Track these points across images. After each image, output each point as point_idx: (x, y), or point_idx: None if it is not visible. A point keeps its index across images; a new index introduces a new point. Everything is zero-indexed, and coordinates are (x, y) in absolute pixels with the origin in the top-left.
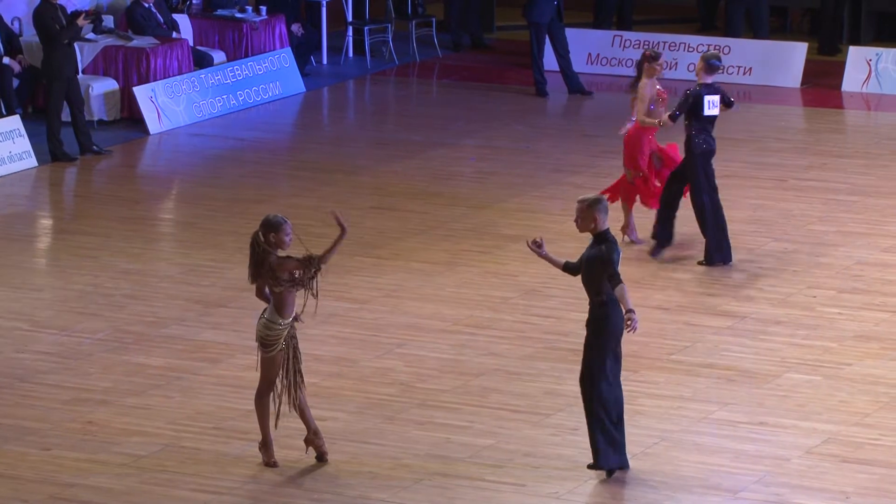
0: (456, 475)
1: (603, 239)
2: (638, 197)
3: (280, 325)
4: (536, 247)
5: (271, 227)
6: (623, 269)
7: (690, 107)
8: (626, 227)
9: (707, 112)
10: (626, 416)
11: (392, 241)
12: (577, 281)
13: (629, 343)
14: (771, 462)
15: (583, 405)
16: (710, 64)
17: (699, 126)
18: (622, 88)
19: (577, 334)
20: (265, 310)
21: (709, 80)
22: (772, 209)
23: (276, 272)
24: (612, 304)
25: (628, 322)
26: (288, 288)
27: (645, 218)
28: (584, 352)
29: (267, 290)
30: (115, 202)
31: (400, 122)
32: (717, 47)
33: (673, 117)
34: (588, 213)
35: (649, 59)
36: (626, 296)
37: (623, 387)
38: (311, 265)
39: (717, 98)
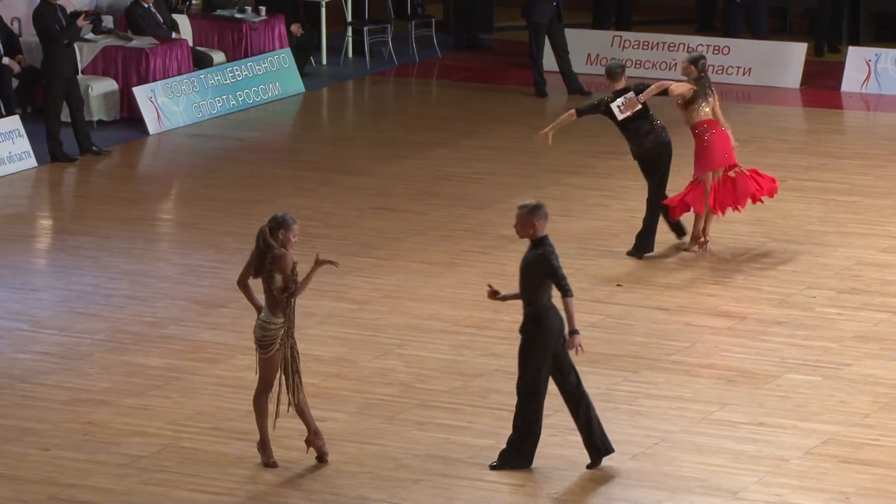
0: (456, 475)
1: (539, 244)
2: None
3: (275, 325)
4: (494, 295)
5: (282, 225)
6: (623, 270)
7: (609, 116)
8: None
9: (619, 118)
10: (625, 417)
11: (391, 241)
12: (578, 282)
13: (629, 344)
14: (771, 462)
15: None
16: (609, 72)
17: (623, 133)
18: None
19: None
20: (261, 311)
21: (619, 86)
22: (771, 209)
23: (275, 265)
24: (545, 313)
25: (570, 344)
26: (278, 291)
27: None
28: (520, 360)
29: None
30: (115, 203)
31: (399, 122)
32: (717, 48)
33: (577, 112)
34: (527, 220)
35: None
36: (572, 312)
37: (623, 387)
38: (290, 286)
39: (626, 97)
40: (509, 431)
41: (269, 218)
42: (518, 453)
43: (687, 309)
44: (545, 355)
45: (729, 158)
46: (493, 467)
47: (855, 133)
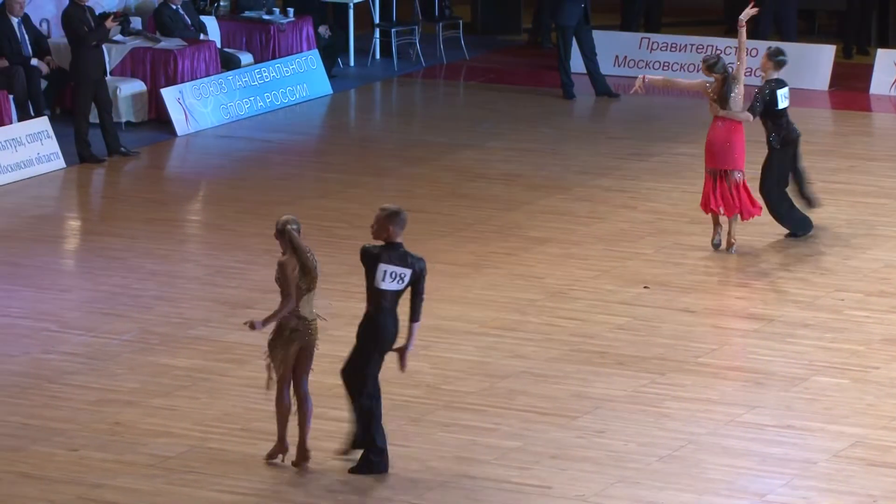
0: (482, 477)
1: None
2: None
3: None
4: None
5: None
6: (650, 272)
7: (766, 104)
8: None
9: (781, 106)
10: (652, 419)
11: (418, 242)
12: (604, 284)
13: (656, 346)
14: (798, 465)
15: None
16: (778, 60)
17: (775, 121)
18: (648, 91)
19: (604, 336)
20: (309, 309)
21: (775, 75)
22: None
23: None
24: (382, 315)
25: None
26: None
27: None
28: (354, 355)
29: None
30: (143, 204)
31: (426, 123)
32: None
33: (753, 112)
34: (383, 223)
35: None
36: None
37: (650, 389)
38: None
39: (787, 90)
40: (535, 433)
41: (292, 219)
42: (375, 454)
43: (714, 311)
44: (377, 355)
45: (711, 160)
46: (351, 471)
47: (884, 135)
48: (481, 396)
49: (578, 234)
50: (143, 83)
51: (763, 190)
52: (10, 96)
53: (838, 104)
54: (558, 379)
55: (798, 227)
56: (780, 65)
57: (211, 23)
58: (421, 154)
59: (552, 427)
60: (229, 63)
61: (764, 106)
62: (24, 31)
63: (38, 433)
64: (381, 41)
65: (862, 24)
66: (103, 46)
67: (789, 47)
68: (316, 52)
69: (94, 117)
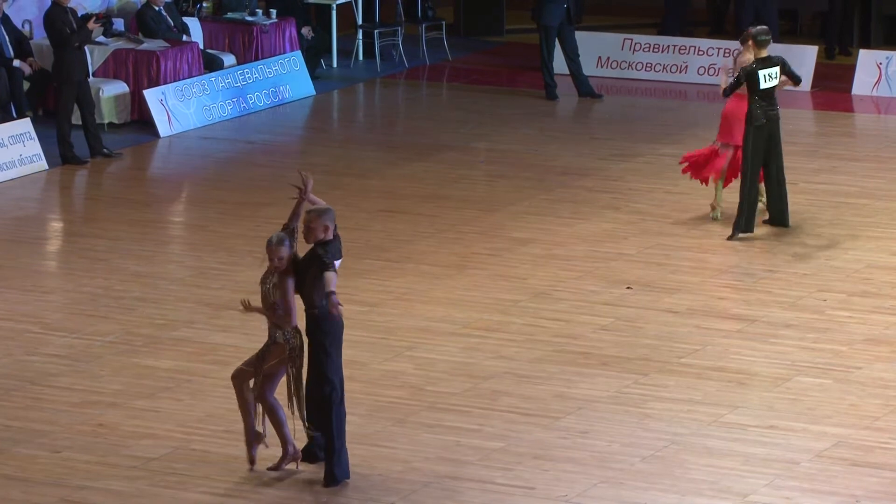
0: (465, 478)
1: (323, 245)
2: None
3: None
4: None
5: None
6: (633, 273)
7: (748, 82)
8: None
9: (763, 85)
10: (635, 420)
11: (402, 244)
12: (588, 284)
13: (639, 347)
14: (781, 465)
15: (326, 419)
16: (759, 40)
17: (757, 99)
18: (631, 92)
19: (587, 337)
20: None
21: (763, 54)
22: None
23: None
24: (322, 316)
25: (332, 307)
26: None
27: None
28: (313, 364)
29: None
30: (126, 205)
31: (409, 125)
32: (728, 50)
33: (724, 93)
34: (317, 223)
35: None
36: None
37: (633, 390)
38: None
39: (775, 70)
40: (519, 434)
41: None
42: (340, 464)
43: (697, 311)
44: (339, 351)
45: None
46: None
47: (866, 136)
48: (465, 397)
49: (562, 234)
50: (125, 84)
51: (741, 170)
52: None
53: (820, 105)
54: (542, 380)
55: (742, 224)
56: (762, 44)
57: (194, 24)
58: (404, 155)
59: (536, 428)
60: (212, 64)
61: (738, 85)
62: (5, 33)
63: (20, 435)
64: (364, 42)
65: (844, 25)
66: (86, 48)
67: (772, 48)
68: (299, 53)
69: (76, 119)
